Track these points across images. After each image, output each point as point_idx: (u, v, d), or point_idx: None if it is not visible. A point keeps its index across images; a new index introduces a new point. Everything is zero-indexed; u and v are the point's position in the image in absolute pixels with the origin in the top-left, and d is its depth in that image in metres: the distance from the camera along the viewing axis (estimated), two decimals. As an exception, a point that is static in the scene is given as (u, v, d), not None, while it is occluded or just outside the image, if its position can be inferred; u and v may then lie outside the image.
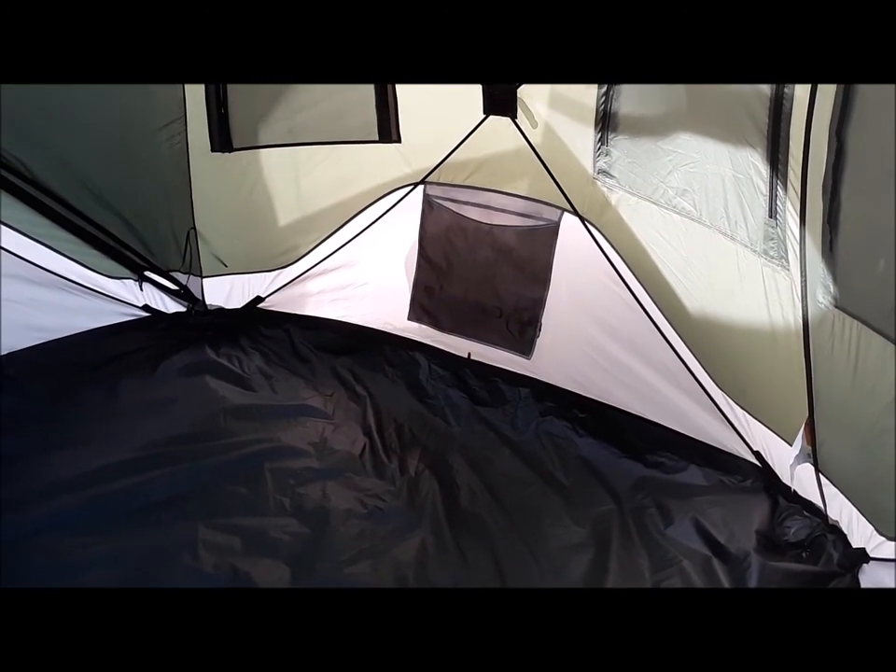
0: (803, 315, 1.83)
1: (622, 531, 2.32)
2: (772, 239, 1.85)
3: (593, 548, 2.25)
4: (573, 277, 2.71)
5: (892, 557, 1.93)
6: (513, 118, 2.47)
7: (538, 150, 2.52)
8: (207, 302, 3.20)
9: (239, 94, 2.63)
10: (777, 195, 1.78)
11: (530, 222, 2.70)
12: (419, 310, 3.07)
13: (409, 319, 3.10)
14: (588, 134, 2.33)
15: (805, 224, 1.69)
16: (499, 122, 2.51)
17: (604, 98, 2.22)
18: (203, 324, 3.19)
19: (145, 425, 2.60)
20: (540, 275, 2.75)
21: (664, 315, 2.49)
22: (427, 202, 2.87)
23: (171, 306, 3.18)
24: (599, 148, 2.33)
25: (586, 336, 2.74)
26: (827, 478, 2.10)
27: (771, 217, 1.82)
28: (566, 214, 2.61)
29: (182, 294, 3.15)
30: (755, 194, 1.85)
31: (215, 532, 2.17)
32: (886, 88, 1.35)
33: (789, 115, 1.65)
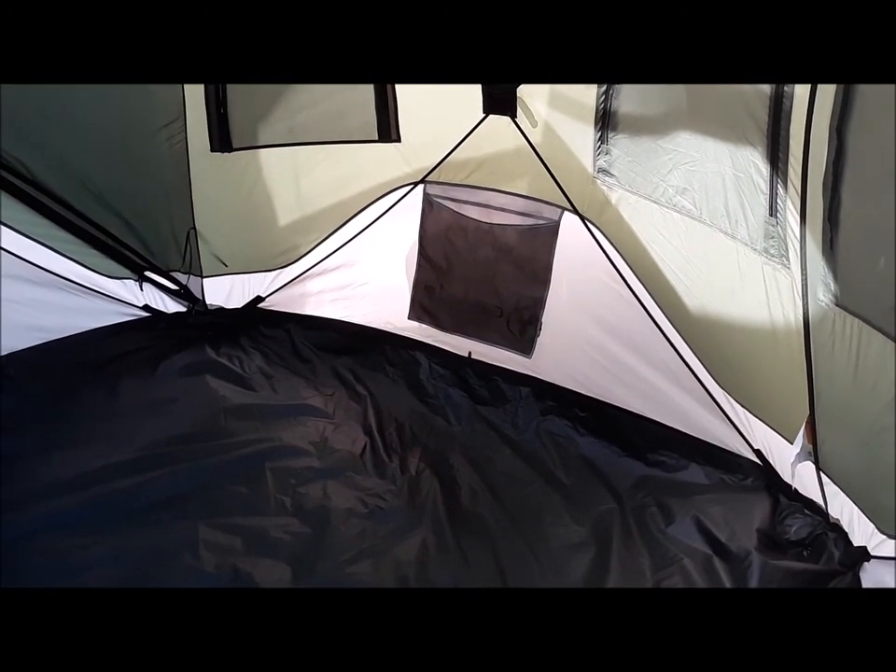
0: (803, 314, 1.83)
1: (623, 530, 2.32)
2: (772, 237, 1.85)
3: (594, 547, 2.25)
4: (573, 276, 2.71)
5: (893, 555, 1.93)
6: (513, 117, 2.46)
7: (537, 149, 2.52)
8: (207, 302, 3.20)
9: (239, 94, 2.63)
10: (777, 193, 1.78)
11: (530, 221, 2.69)
12: (419, 309, 3.07)
13: (409, 319, 3.10)
14: (588, 133, 2.32)
15: (805, 222, 1.69)
16: (499, 122, 2.50)
17: (604, 97, 2.22)
18: (204, 324, 3.19)
19: (145, 424, 2.60)
20: (541, 274, 2.74)
21: (664, 314, 2.49)
22: (427, 201, 2.87)
23: (171, 306, 3.18)
24: (599, 147, 2.33)
25: (587, 335, 2.73)
26: (828, 476, 2.10)
27: (771, 215, 1.82)
28: (566, 213, 2.61)
29: (182, 294, 3.15)
30: (755, 192, 1.84)
31: (215, 532, 2.17)
32: (886, 86, 1.34)
33: (789, 113, 1.64)
